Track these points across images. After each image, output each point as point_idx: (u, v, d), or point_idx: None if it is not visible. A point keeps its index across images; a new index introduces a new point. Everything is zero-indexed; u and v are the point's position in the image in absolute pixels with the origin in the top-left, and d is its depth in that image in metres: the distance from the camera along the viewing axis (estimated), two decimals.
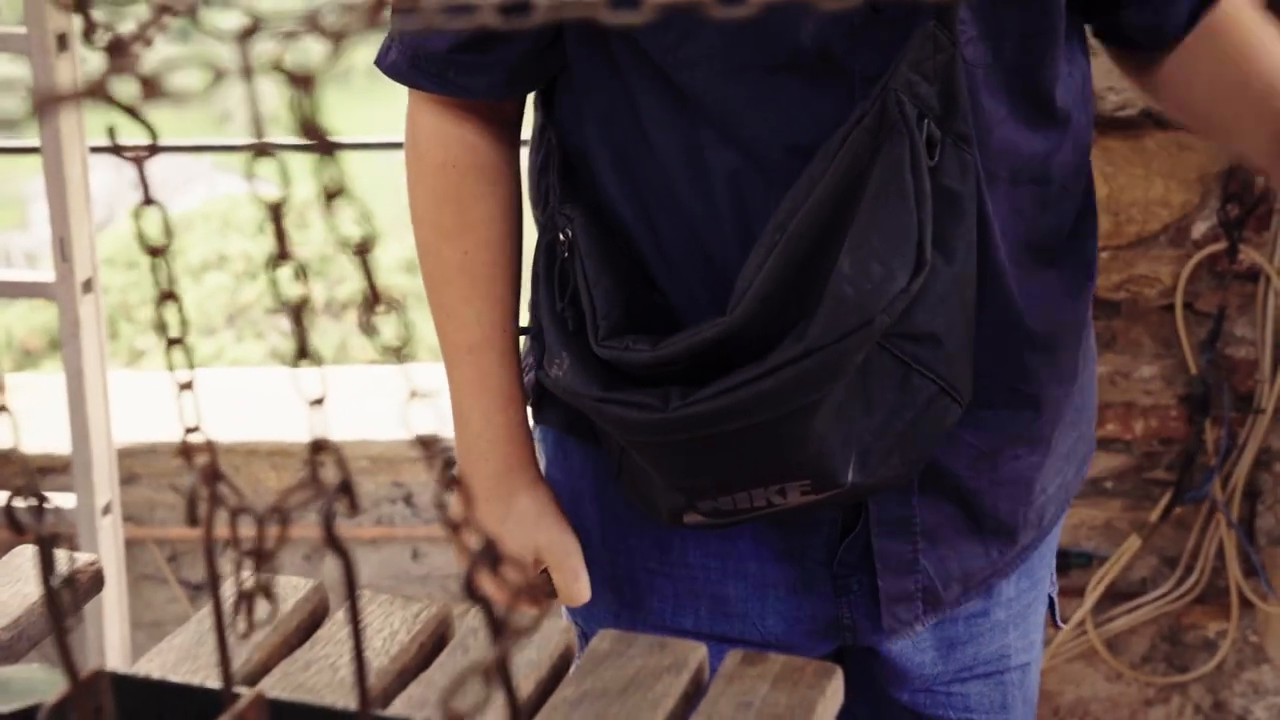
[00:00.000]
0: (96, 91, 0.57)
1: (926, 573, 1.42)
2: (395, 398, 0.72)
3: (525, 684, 1.03)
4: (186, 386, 0.85)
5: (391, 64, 1.40)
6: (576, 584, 1.42)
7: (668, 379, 1.26)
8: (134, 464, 2.81)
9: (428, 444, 0.68)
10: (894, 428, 1.26)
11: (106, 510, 2.59)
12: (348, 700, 0.98)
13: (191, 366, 0.83)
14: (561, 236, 1.37)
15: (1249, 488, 2.57)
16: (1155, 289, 2.52)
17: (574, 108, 1.40)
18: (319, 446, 0.72)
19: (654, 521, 1.42)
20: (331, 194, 0.57)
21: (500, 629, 0.82)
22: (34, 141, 2.59)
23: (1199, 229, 2.48)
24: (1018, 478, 1.44)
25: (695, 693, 1.04)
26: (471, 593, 0.75)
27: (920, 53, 1.21)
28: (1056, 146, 1.36)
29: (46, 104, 0.56)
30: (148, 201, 0.76)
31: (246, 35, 0.57)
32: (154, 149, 0.70)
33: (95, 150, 2.54)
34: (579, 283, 1.34)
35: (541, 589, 1.45)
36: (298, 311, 0.68)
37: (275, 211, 0.64)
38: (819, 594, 1.46)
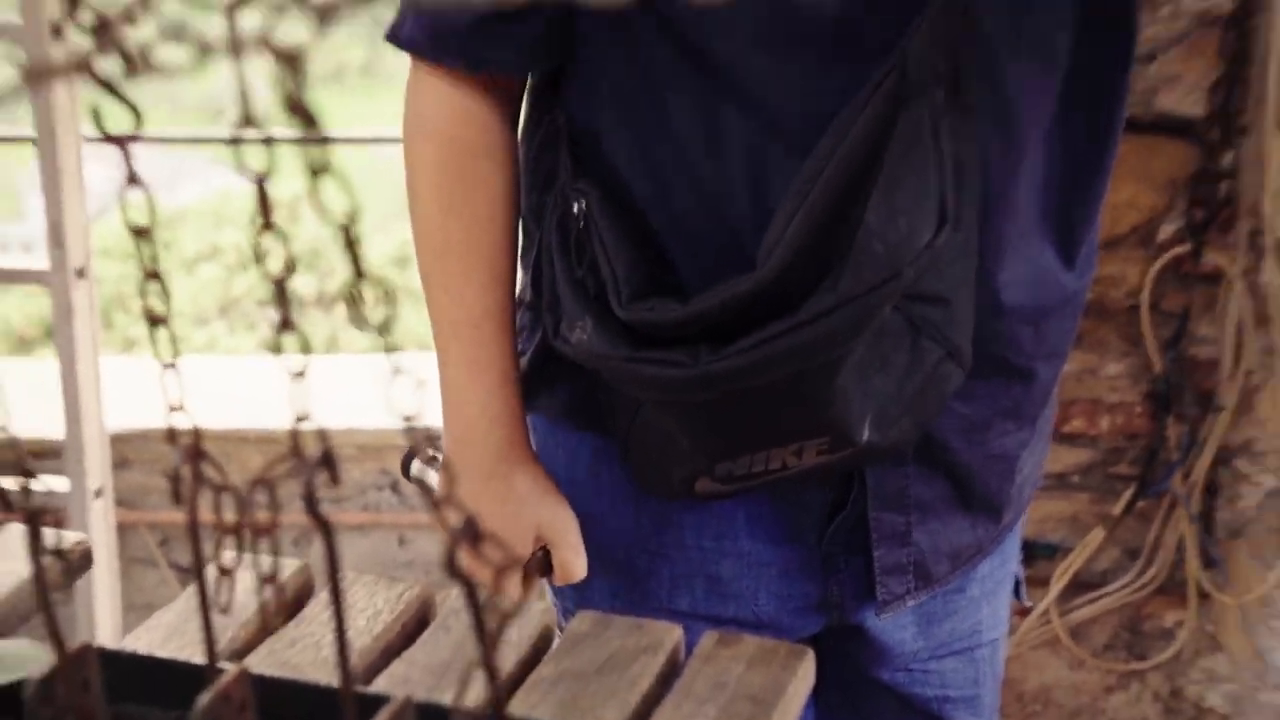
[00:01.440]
0: (83, 66, 0.56)
1: (918, 546, 1.43)
2: (382, 386, 0.72)
3: (505, 663, 1.02)
4: (170, 366, 0.83)
5: (409, 39, 1.37)
6: (577, 560, 1.42)
7: (695, 338, 1.25)
8: (126, 449, 2.80)
9: (410, 419, 0.67)
10: (905, 390, 1.25)
11: (98, 494, 2.59)
12: (331, 677, 0.97)
13: (176, 347, 0.82)
14: (575, 209, 1.35)
15: (1209, 483, 2.57)
16: (1122, 289, 2.52)
17: (585, 86, 1.38)
18: (301, 418, 0.72)
19: (652, 503, 1.43)
20: (317, 171, 0.56)
21: (481, 610, 0.81)
22: (29, 131, 2.57)
23: (1165, 231, 2.48)
24: (1005, 453, 1.45)
25: (671, 673, 1.04)
26: (453, 570, 0.73)
27: (935, 24, 1.21)
28: (1077, 123, 1.35)
29: (35, 77, 0.55)
30: (132, 180, 0.75)
31: (233, 8, 0.56)
32: (139, 131, 0.69)
33: (89, 140, 2.53)
34: (597, 252, 1.33)
35: (536, 567, 1.43)
36: (280, 284, 0.67)
37: (260, 181, 0.63)
38: (809, 573, 1.47)
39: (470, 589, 0.78)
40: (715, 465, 1.31)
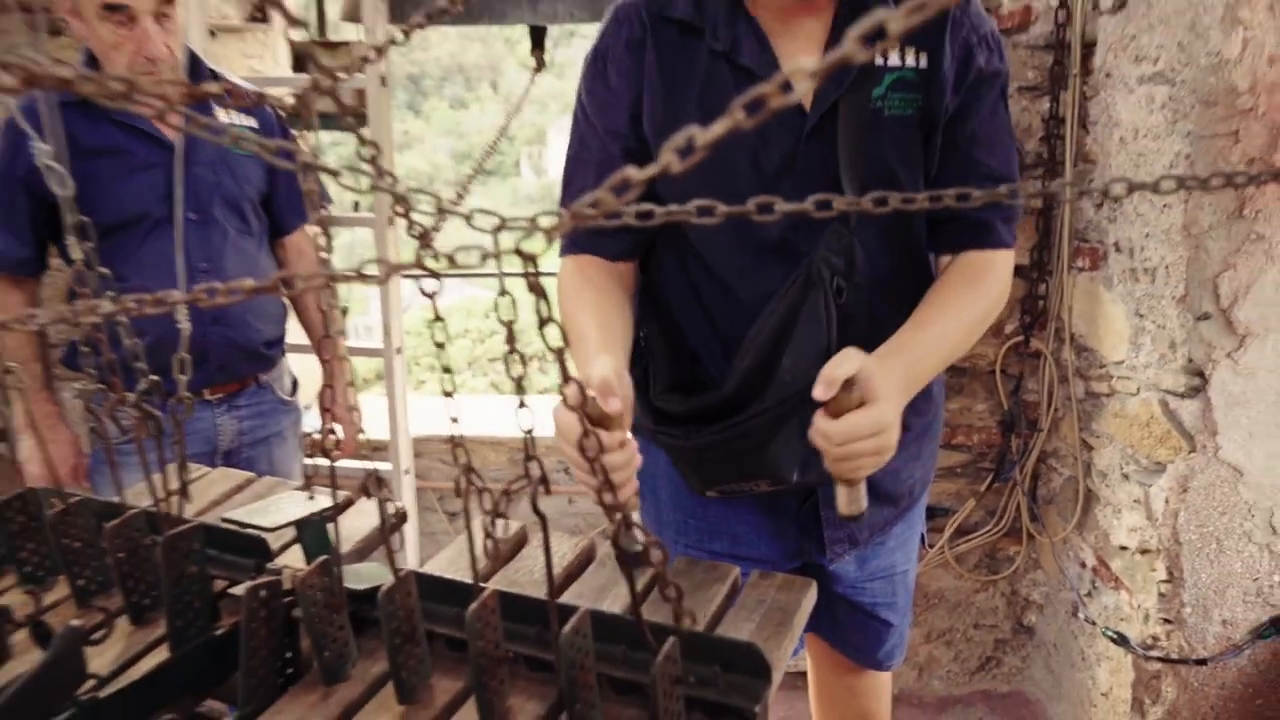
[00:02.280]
0: (412, 265, 0.56)
1: (850, 528, 1.41)
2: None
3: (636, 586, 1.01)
4: (454, 420, 0.83)
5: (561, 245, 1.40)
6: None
7: (690, 421, 1.28)
8: (420, 446, 2.82)
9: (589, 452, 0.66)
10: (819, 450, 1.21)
11: (406, 472, 2.61)
12: (540, 593, 0.96)
13: (453, 392, 0.82)
14: (642, 335, 1.37)
15: (1034, 473, 2.51)
16: (985, 361, 2.48)
17: (655, 265, 1.40)
18: (529, 456, 0.70)
19: (696, 494, 1.40)
20: (544, 321, 0.56)
21: (625, 556, 0.79)
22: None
23: (1009, 327, 2.44)
24: (895, 470, 1.39)
25: (733, 593, 1.01)
26: (620, 555, 0.71)
27: (833, 239, 1.21)
28: (923, 285, 1.33)
29: (385, 271, 0.55)
30: (437, 319, 0.75)
31: (498, 230, 0.56)
32: (440, 281, 0.70)
33: (404, 275, 2.57)
34: (649, 361, 1.36)
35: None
36: (519, 382, 0.66)
37: (509, 326, 0.62)
38: (788, 538, 1.45)
39: (620, 550, 0.77)
40: (711, 487, 1.32)
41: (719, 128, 0.43)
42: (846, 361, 1.07)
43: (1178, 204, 1.84)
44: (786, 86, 0.41)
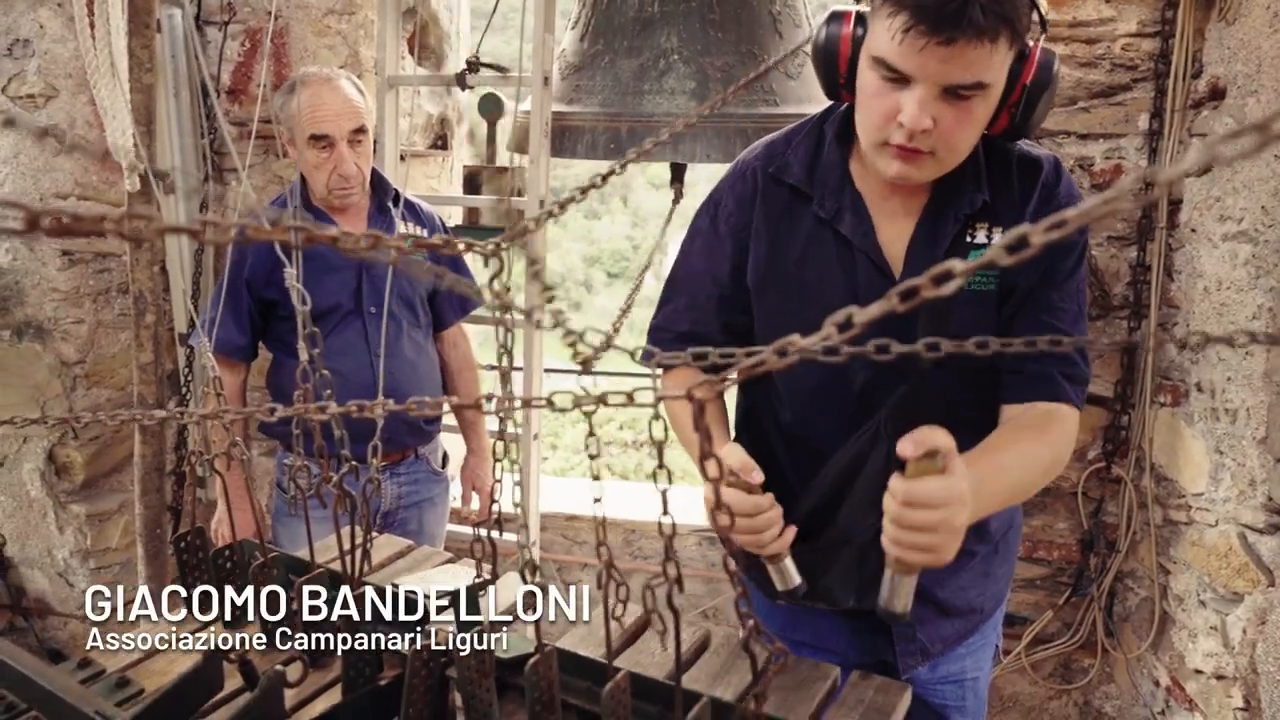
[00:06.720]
0: (599, 399, 0.58)
1: (921, 640, 1.33)
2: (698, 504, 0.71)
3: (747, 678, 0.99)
4: (598, 500, 0.85)
5: (646, 355, 1.36)
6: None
7: None
8: (545, 521, 2.85)
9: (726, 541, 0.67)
10: (878, 578, 1.14)
11: (534, 544, 2.63)
12: (660, 673, 0.96)
13: (599, 481, 0.84)
14: None
15: (1111, 590, 2.38)
16: (1068, 483, 2.39)
17: (757, 391, 1.36)
18: (668, 557, 0.72)
19: (797, 608, 1.34)
20: (705, 455, 0.58)
21: (751, 647, 0.79)
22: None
23: (1091, 453, 2.36)
24: (963, 587, 1.34)
25: (834, 690, 0.99)
26: (746, 647, 0.71)
27: (905, 397, 1.17)
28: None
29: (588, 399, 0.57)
30: (591, 433, 0.77)
31: (663, 373, 0.58)
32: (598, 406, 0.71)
33: (549, 370, 2.63)
34: None
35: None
36: (664, 495, 0.68)
37: (660, 446, 0.64)
38: (865, 637, 1.37)
39: (748, 649, 0.76)
40: (778, 598, 1.24)
41: (875, 309, 0.45)
42: (939, 433, 0.95)
43: (1260, 351, 1.77)
44: (939, 280, 0.43)
